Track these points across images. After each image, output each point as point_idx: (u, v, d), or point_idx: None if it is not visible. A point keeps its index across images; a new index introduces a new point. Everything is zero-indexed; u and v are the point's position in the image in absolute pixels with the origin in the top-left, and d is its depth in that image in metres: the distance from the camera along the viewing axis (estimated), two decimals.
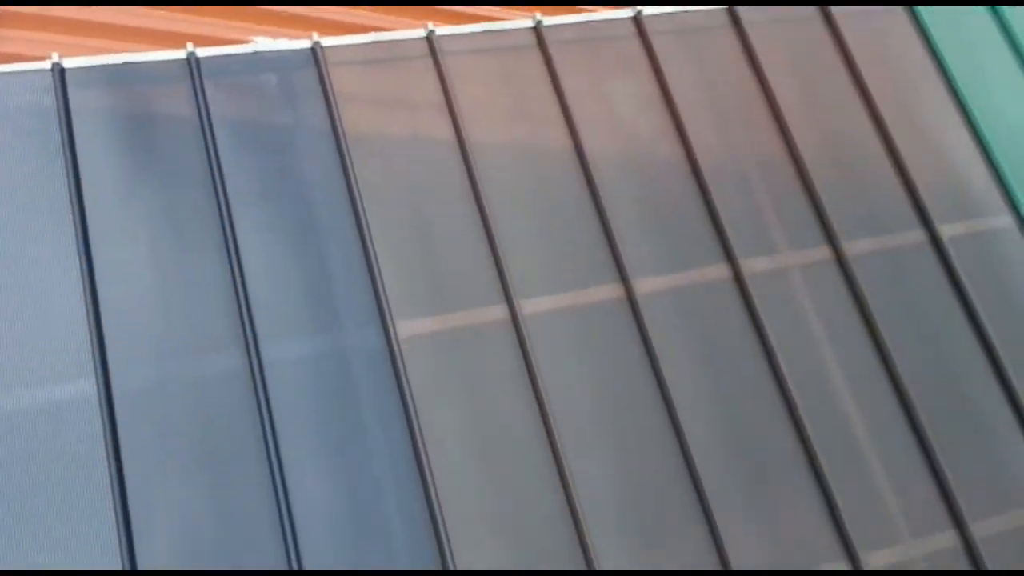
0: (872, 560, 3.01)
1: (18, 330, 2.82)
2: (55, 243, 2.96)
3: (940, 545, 3.09)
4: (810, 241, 3.51)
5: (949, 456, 3.20)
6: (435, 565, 2.78)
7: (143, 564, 2.63)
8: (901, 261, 3.54)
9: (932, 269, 3.54)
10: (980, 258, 3.58)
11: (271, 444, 2.82)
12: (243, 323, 2.97)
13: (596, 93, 3.63)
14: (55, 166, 3.05)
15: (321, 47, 3.45)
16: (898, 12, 4.03)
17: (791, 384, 3.21)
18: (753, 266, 3.41)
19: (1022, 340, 3.46)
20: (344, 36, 3.52)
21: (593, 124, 3.56)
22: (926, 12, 4.03)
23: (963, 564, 3.07)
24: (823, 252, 3.50)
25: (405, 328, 3.07)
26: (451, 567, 2.77)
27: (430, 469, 2.88)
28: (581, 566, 2.86)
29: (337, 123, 3.32)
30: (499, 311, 3.18)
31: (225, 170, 3.18)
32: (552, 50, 3.64)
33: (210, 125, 3.22)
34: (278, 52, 3.44)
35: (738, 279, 3.38)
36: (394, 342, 3.03)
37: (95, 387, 2.79)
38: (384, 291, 3.11)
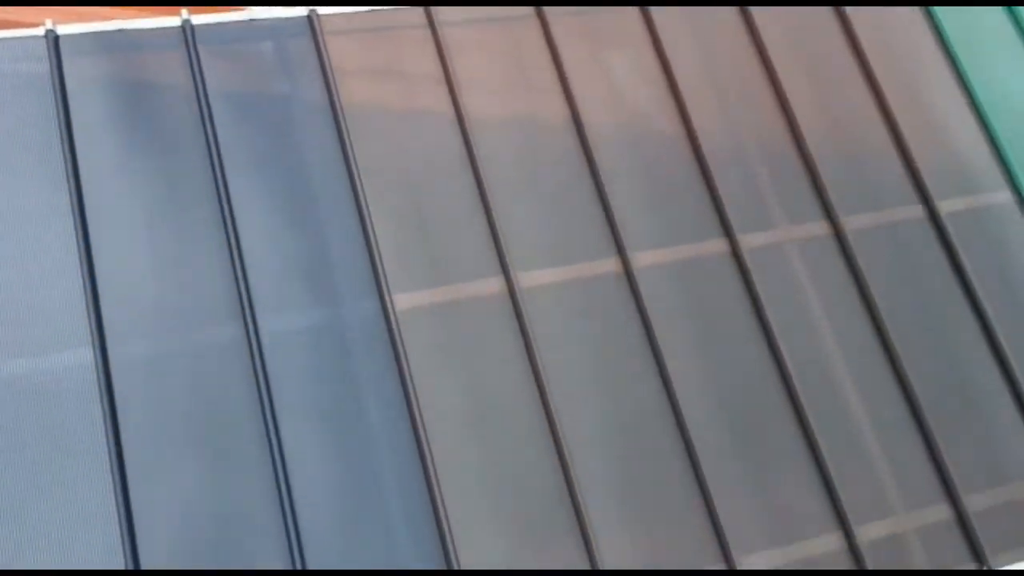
0: (865, 532, 3.03)
1: (15, 299, 2.81)
2: (52, 213, 2.94)
3: (933, 518, 3.11)
4: (808, 216, 3.50)
5: (944, 430, 3.22)
6: (431, 534, 2.79)
7: (141, 528, 2.64)
8: (899, 236, 3.53)
9: (930, 245, 3.53)
10: (978, 234, 3.58)
11: (268, 414, 2.82)
12: (240, 294, 2.96)
13: (596, 65, 3.60)
14: (50, 135, 3.03)
15: (317, 15, 3.42)
16: None
17: (787, 358, 3.22)
18: (751, 241, 3.40)
19: (1018, 315, 3.46)
20: (340, 6, 3.49)
21: (593, 97, 3.54)
22: None
23: (956, 536, 3.09)
24: (821, 227, 3.49)
25: (402, 300, 3.07)
26: (447, 537, 2.78)
27: (427, 440, 2.89)
28: (577, 537, 2.88)
29: (334, 94, 3.30)
30: (496, 284, 3.18)
31: (221, 140, 3.16)
32: (551, 21, 3.61)
33: (205, 94, 3.19)
34: (274, 20, 3.40)
35: (736, 253, 3.37)
36: (391, 314, 3.03)
37: (92, 357, 2.79)
38: (381, 263, 3.10)
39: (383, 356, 2.99)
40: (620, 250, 3.29)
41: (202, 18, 3.31)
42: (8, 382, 2.72)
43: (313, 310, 3.01)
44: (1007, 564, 3.08)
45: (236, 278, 2.98)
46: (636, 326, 3.20)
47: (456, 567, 2.76)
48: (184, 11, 3.29)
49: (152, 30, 3.26)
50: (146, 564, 2.62)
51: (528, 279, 3.19)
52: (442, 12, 3.53)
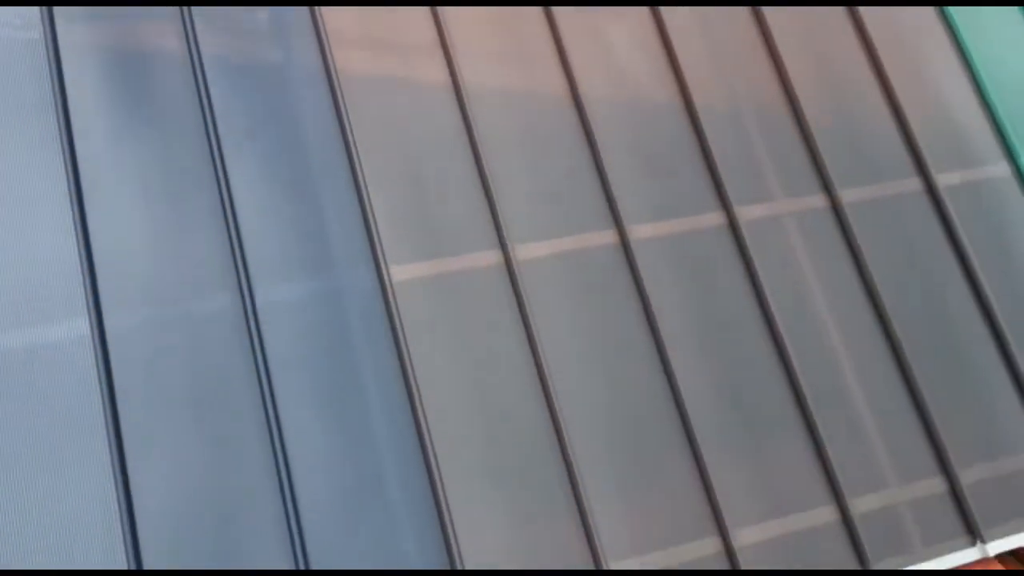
0: (859, 505, 3.05)
1: (8, 269, 2.81)
2: (45, 182, 2.93)
3: (927, 491, 3.12)
4: (806, 189, 3.50)
5: (939, 404, 3.22)
6: (427, 502, 2.81)
7: (139, 497, 2.65)
8: (897, 209, 3.53)
9: (928, 218, 3.53)
10: (976, 207, 3.58)
11: (265, 384, 2.83)
12: (236, 265, 2.96)
13: (594, 37, 3.58)
14: (44, 102, 3.01)
15: None
16: None
17: (783, 330, 3.23)
18: (748, 213, 3.39)
19: (1016, 290, 3.46)
20: None
21: (590, 68, 3.52)
22: None
23: (949, 509, 3.11)
24: (819, 200, 3.49)
25: (399, 272, 3.07)
26: (443, 504, 2.79)
27: (423, 409, 2.90)
28: (571, 504, 2.89)
29: (330, 62, 3.28)
30: (493, 256, 3.17)
31: (217, 109, 3.14)
32: None
33: (201, 63, 3.17)
34: None
35: (733, 226, 3.37)
36: (387, 285, 3.02)
37: (88, 327, 2.79)
38: (378, 235, 3.09)
39: (379, 327, 2.99)
40: (617, 222, 3.29)
41: None
42: (3, 353, 2.72)
43: (309, 281, 3.01)
44: (1001, 537, 3.09)
45: (232, 248, 2.97)
46: (633, 298, 3.20)
47: (452, 533, 2.77)
48: None
49: None
50: (144, 535, 2.63)
51: (525, 251, 3.19)
52: None
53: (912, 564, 3.00)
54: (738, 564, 2.90)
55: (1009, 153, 3.69)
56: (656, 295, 3.20)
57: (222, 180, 3.05)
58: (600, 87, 3.50)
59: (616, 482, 2.96)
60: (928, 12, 3.90)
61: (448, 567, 2.76)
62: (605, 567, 2.82)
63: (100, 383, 2.74)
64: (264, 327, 2.91)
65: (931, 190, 3.57)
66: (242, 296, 2.93)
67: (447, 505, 2.81)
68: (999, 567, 2.95)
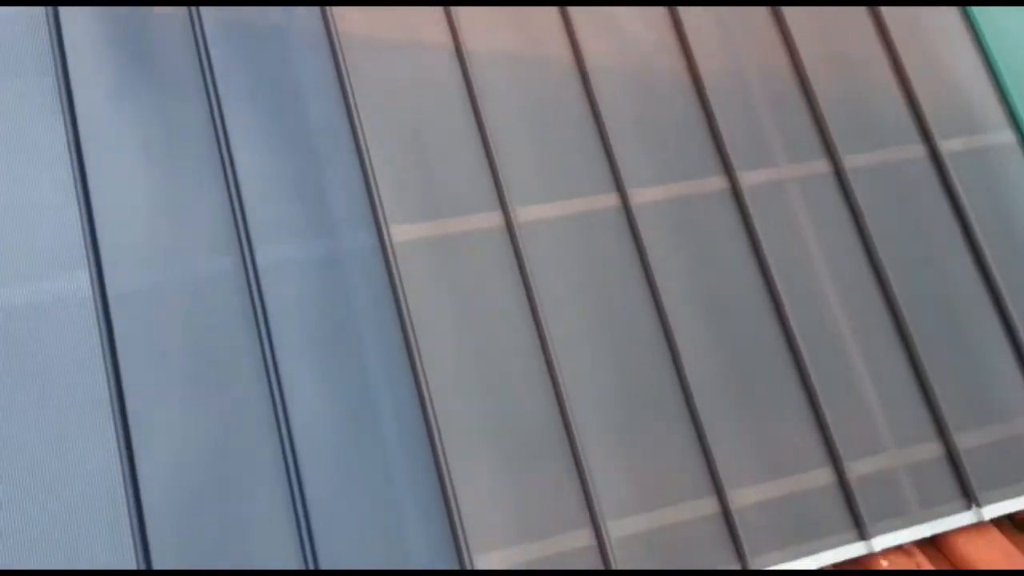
0: (856, 468, 3.07)
1: (8, 226, 2.82)
2: (46, 141, 2.94)
3: (923, 455, 3.14)
4: (809, 154, 3.49)
5: (937, 369, 3.23)
6: (427, 462, 2.83)
7: (140, 458, 2.67)
8: (900, 176, 3.52)
9: (931, 184, 3.52)
10: (980, 174, 3.57)
11: (266, 343, 2.85)
12: (236, 225, 2.96)
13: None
14: (43, 60, 3.01)
15: None
16: None
17: (783, 294, 3.23)
18: (750, 178, 3.39)
19: (1017, 256, 3.46)
20: None
21: (594, 32, 3.50)
22: None
23: (946, 473, 3.12)
24: (821, 165, 3.48)
25: (399, 233, 3.07)
26: (442, 465, 2.82)
27: (423, 369, 2.91)
28: (570, 467, 2.91)
29: (331, 24, 3.27)
30: (494, 218, 3.18)
31: (217, 69, 3.14)
32: None
33: (201, 22, 3.17)
34: None
35: (735, 191, 3.36)
36: (388, 247, 3.03)
37: (89, 284, 2.80)
38: (378, 195, 3.09)
39: (380, 288, 3.00)
40: (619, 186, 3.29)
41: None
42: (3, 308, 2.74)
43: (310, 242, 3.02)
44: (997, 501, 3.11)
45: (232, 208, 2.98)
46: (633, 261, 3.21)
47: (451, 490, 2.80)
48: None
49: None
50: (146, 495, 2.66)
51: (526, 213, 3.19)
52: None
53: (908, 526, 3.03)
54: (735, 524, 2.92)
55: (1014, 120, 3.67)
56: (657, 259, 3.21)
57: (222, 140, 3.05)
58: (604, 50, 3.49)
59: (615, 442, 2.98)
60: None
61: (446, 523, 2.78)
62: (602, 525, 2.85)
63: (101, 340, 2.75)
64: (265, 287, 2.92)
65: (935, 156, 3.55)
66: (243, 256, 2.94)
67: (446, 464, 2.83)
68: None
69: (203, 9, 3.19)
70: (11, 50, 3.00)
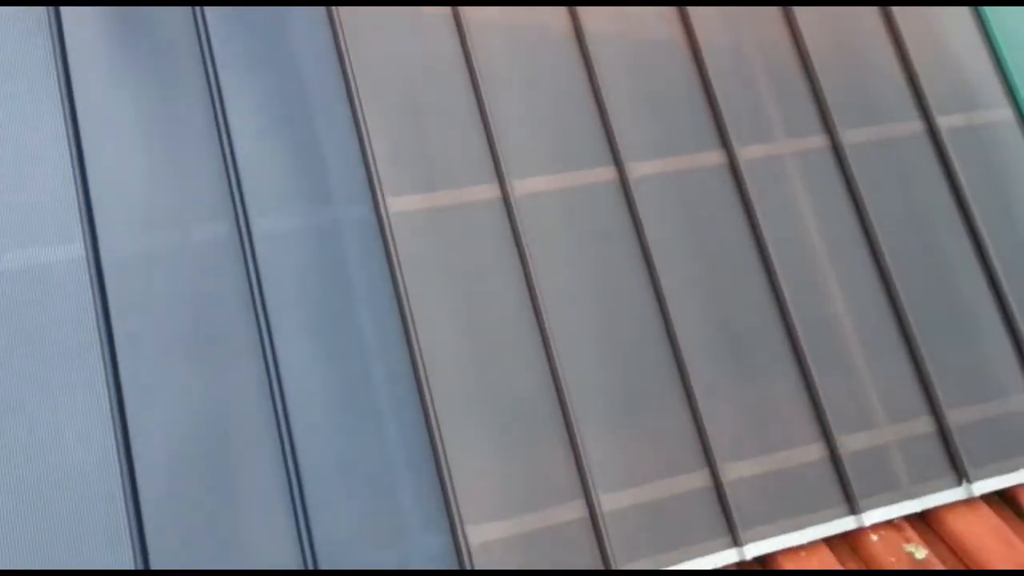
0: (848, 442, 3.08)
1: (4, 192, 2.81)
2: (42, 109, 2.92)
3: (915, 431, 3.16)
4: (808, 129, 3.47)
5: (931, 346, 3.24)
6: (421, 433, 2.84)
7: (134, 419, 2.68)
8: (898, 151, 3.51)
9: (929, 160, 3.51)
10: (977, 151, 3.56)
11: (260, 312, 2.85)
12: (232, 195, 2.96)
13: None
14: (41, 29, 2.98)
15: None
16: None
17: (779, 269, 3.23)
18: (749, 153, 3.38)
19: (1013, 233, 3.46)
20: None
21: (593, 5, 3.47)
22: None
23: (937, 449, 3.14)
24: (820, 140, 3.47)
25: (396, 204, 3.07)
26: (437, 440, 2.83)
27: (418, 340, 2.92)
28: (565, 445, 2.93)
29: None
30: (491, 190, 3.17)
31: (214, 39, 3.11)
32: None
33: None
34: None
35: (733, 165, 3.35)
36: (384, 217, 3.03)
37: (83, 251, 2.79)
38: (375, 165, 3.08)
39: (376, 258, 3.00)
40: (616, 159, 3.28)
41: None
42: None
43: (306, 211, 3.01)
44: (987, 478, 3.13)
45: (227, 177, 2.97)
46: (631, 235, 3.21)
47: (444, 463, 2.81)
48: None
49: None
50: (141, 462, 2.67)
51: (523, 186, 3.18)
52: None
53: (898, 501, 3.05)
54: (727, 498, 2.94)
55: (1013, 97, 3.65)
56: (654, 232, 3.20)
57: (219, 110, 3.04)
58: (604, 24, 3.46)
59: (608, 416, 2.99)
60: None
61: (440, 497, 2.80)
62: (595, 498, 2.87)
63: (95, 305, 2.75)
64: (260, 256, 2.92)
65: (933, 132, 3.54)
66: (238, 226, 2.93)
67: (440, 435, 2.85)
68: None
69: None
70: (9, 21, 2.97)
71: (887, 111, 3.56)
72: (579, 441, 2.92)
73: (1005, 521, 3.07)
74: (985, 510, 3.09)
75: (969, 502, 3.11)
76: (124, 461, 2.65)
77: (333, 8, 3.22)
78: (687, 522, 2.92)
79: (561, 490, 2.88)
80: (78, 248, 2.80)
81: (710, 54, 3.48)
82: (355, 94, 3.15)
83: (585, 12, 3.44)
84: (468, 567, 2.73)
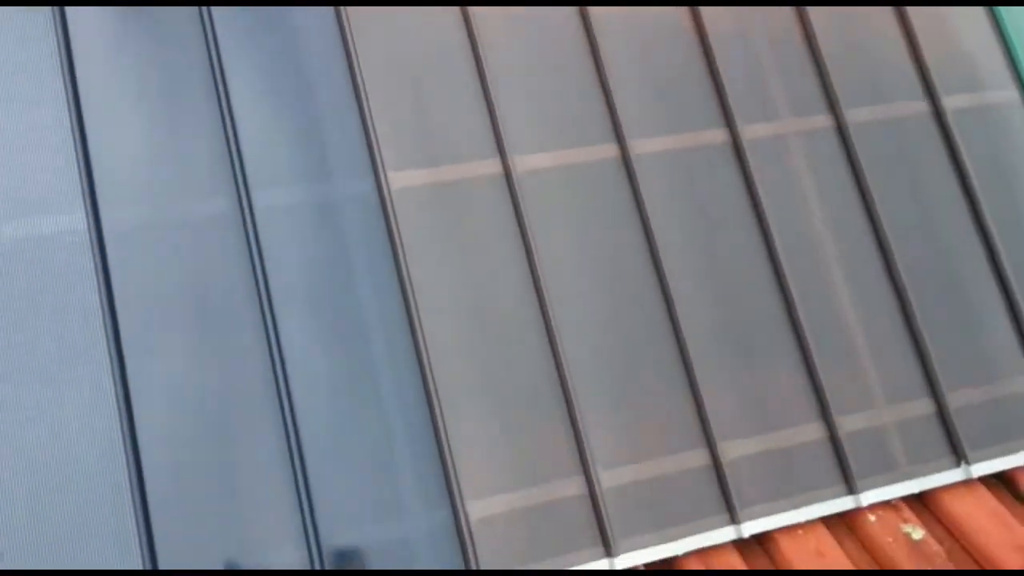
0: (847, 423, 3.08)
1: (3, 162, 2.79)
2: (44, 80, 2.90)
3: (914, 412, 3.16)
4: (811, 108, 3.46)
5: (931, 327, 3.24)
6: (422, 409, 2.84)
7: (136, 390, 2.68)
8: (902, 131, 3.49)
9: (933, 140, 3.50)
10: (982, 131, 3.54)
11: (262, 286, 2.84)
12: (233, 168, 2.94)
13: None
14: (43, 7, 2.96)
15: None
16: None
17: (780, 248, 3.23)
18: (752, 131, 3.36)
19: (1016, 216, 3.46)
20: None
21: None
22: None
23: (936, 431, 3.14)
24: (824, 120, 3.45)
25: (397, 179, 3.05)
26: (438, 415, 2.83)
27: (419, 316, 2.91)
28: (565, 421, 2.93)
29: None
30: (493, 165, 3.15)
31: (215, 15, 3.09)
32: None
33: None
34: None
35: (736, 144, 3.34)
36: (386, 192, 3.01)
37: (85, 222, 2.78)
38: (376, 140, 3.07)
39: (377, 233, 2.99)
40: (619, 136, 3.26)
41: None
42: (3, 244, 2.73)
43: (307, 186, 3.00)
44: (986, 460, 3.13)
45: (230, 151, 2.96)
46: (633, 213, 3.19)
47: (445, 438, 2.81)
48: None
49: None
50: (143, 434, 2.66)
51: (526, 162, 3.17)
52: None
53: (896, 482, 3.05)
54: (725, 476, 2.94)
55: (1019, 77, 3.63)
56: (655, 210, 3.19)
57: (220, 84, 3.02)
58: None
59: (609, 393, 2.99)
60: None
61: (440, 473, 2.80)
62: (594, 474, 2.87)
63: (97, 277, 2.75)
64: (261, 232, 2.91)
65: (937, 112, 3.52)
66: (239, 201, 2.92)
67: (440, 410, 2.84)
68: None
69: None
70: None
71: (892, 90, 3.54)
72: (579, 418, 2.92)
73: (1003, 503, 3.08)
74: (983, 492, 3.10)
75: (967, 484, 3.12)
76: (127, 432, 2.65)
77: None
78: (686, 500, 2.92)
79: (561, 466, 2.88)
80: (79, 220, 2.78)
81: (714, 31, 3.45)
82: (357, 68, 3.13)
83: None
84: (468, 542, 2.73)
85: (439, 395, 2.86)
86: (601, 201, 3.19)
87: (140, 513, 2.60)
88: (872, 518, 3.01)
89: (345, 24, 3.16)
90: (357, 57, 3.14)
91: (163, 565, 2.58)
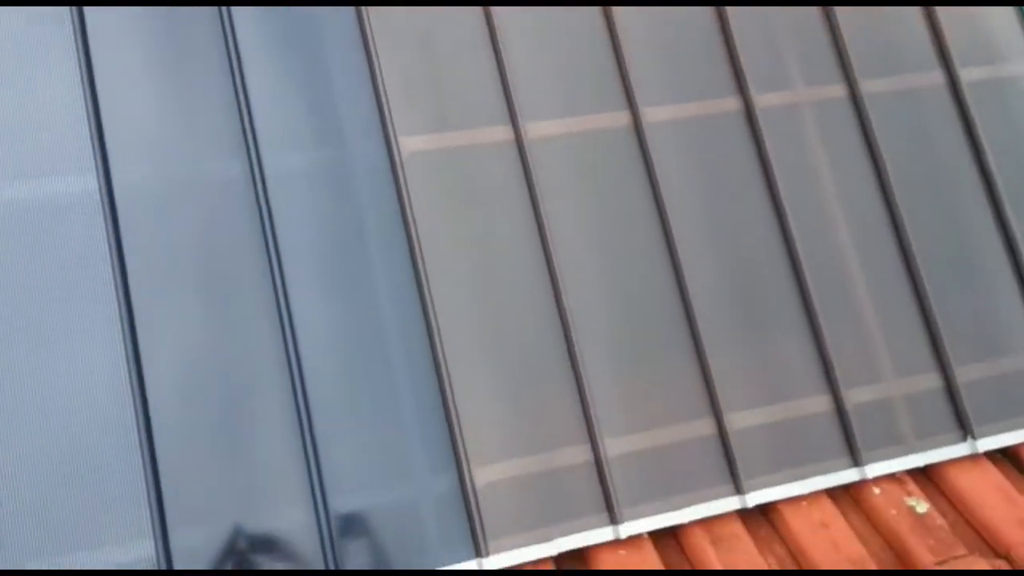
0: (854, 395, 3.08)
1: (15, 122, 2.79)
2: (56, 41, 2.89)
3: (922, 386, 3.15)
4: (826, 77, 3.42)
5: (942, 301, 3.22)
6: (430, 375, 2.84)
7: (146, 352, 2.69)
8: (917, 102, 3.46)
9: (948, 112, 3.46)
10: (998, 104, 3.51)
11: (272, 249, 2.84)
12: (244, 131, 2.93)
13: None
14: None
15: None
16: None
17: (791, 219, 3.21)
18: (765, 100, 3.33)
19: None
20: None
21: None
22: None
23: (943, 405, 3.14)
24: (838, 90, 3.42)
25: (408, 143, 3.04)
26: (445, 380, 2.83)
27: (427, 281, 2.91)
28: (572, 389, 2.93)
29: None
30: (504, 132, 3.13)
31: None
32: None
33: None
34: None
35: (749, 112, 3.31)
36: (396, 158, 3.00)
37: (96, 183, 2.78)
38: (388, 106, 3.05)
39: (387, 198, 2.98)
40: (631, 104, 3.23)
41: None
42: (9, 204, 2.73)
43: (318, 149, 2.99)
44: (992, 435, 3.13)
45: (240, 114, 2.94)
46: (643, 180, 3.18)
47: (452, 403, 2.82)
48: None
49: None
50: (152, 392, 2.68)
51: (537, 129, 3.15)
52: None
53: (902, 455, 3.05)
54: (731, 447, 2.95)
55: None
56: (666, 178, 3.17)
57: (232, 46, 3.00)
58: None
59: (616, 361, 2.99)
60: None
61: (447, 438, 2.81)
62: (600, 442, 2.88)
63: (108, 238, 2.75)
64: (272, 194, 2.90)
65: (953, 84, 3.49)
66: (250, 163, 2.91)
67: (448, 377, 2.85)
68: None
69: None
70: None
71: (908, 61, 3.50)
72: (586, 385, 2.92)
73: (1008, 478, 3.08)
74: (988, 467, 3.10)
75: (973, 458, 3.12)
76: (137, 393, 2.66)
77: None
78: (691, 469, 2.93)
79: (567, 433, 2.89)
80: (91, 181, 2.78)
81: None
82: (369, 32, 3.10)
83: None
84: (474, 507, 2.75)
85: (447, 361, 2.86)
86: (612, 169, 3.17)
87: (150, 473, 2.61)
88: (877, 491, 3.01)
89: None
90: (369, 21, 3.11)
91: (171, 524, 2.60)
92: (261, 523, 2.65)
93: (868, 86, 3.42)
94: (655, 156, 3.18)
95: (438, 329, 2.88)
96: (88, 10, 2.92)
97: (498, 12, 3.22)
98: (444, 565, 2.70)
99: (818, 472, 3.00)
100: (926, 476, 3.12)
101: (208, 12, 3.02)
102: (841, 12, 3.47)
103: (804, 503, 2.97)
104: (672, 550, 2.89)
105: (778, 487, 2.96)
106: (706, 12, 3.41)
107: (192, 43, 2.99)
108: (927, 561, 2.79)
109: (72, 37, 2.90)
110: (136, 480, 2.61)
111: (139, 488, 2.60)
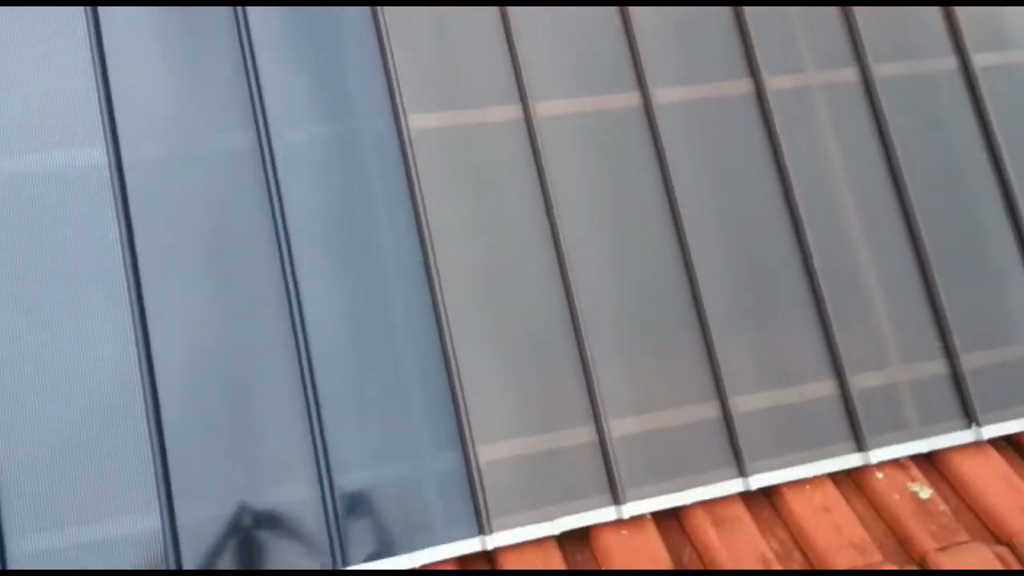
0: (859, 380, 3.08)
1: (25, 94, 2.78)
2: (66, 15, 2.89)
3: (927, 372, 3.15)
4: (838, 61, 3.40)
5: (949, 287, 3.22)
6: (437, 353, 2.85)
7: (154, 330, 2.69)
8: (929, 87, 3.44)
9: (960, 98, 3.44)
10: (1010, 90, 3.48)
11: (280, 223, 2.84)
12: (253, 106, 2.93)
13: None
14: None
15: None
16: None
17: (800, 203, 3.20)
18: (777, 83, 3.31)
19: None
20: None
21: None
22: None
23: (948, 391, 3.14)
24: (850, 73, 3.40)
25: (417, 120, 3.03)
26: (451, 358, 2.83)
27: (434, 257, 2.91)
28: (578, 369, 2.93)
29: None
30: (513, 111, 3.12)
31: None
32: None
33: None
34: None
35: (760, 95, 3.29)
36: (405, 135, 2.99)
37: (105, 156, 2.78)
38: (398, 83, 3.04)
39: (395, 175, 2.98)
40: (641, 84, 3.22)
41: None
42: (18, 176, 2.73)
43: (327, 126, 2.98)
44: (998, 422, 3.13)
45: (250, 88, 2.94)
46: (653, 162, 3.17)
47: (458, 384, 2.82)
48: None
49: None
50: (160, 367, 2.69)
51: (546, 108, 3.14)
52: None
53: (906, 441, 3.05)
54: (735, 430, 2.95)
55: None
56: (676, 160, 3.16)
57: (242, 20, 2.99)
58: None
59: (622, 342, 2.99)
60: None
61: (452, 416, 2.82)
62: (604, 422, 2.88)
63: (116, 210, 2.75)
64: (280, 169, 2.90)
65: (966, 69, 3.46)
66: (259, 137, 2.91)
67: (455, 355, 2.85)
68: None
69: None
70: None
71: (921, 46, 3.48)
72: (592, 366, 2.92)
73: (1012, 466, 3.08)
74: (992, 454, 3.10)
75: (977, 445, 3.12)
76: (145, 367, 2.67)
77: None
78: (695, 451, 2.94)
79: (572, 414, 2.89)
80: (100, 154, 2.78)
81: None
82: (380, 11, 3.09)
83: None
84: (478, 485, 2.76)
85: (453, 339, 2.86)
86: (621, 149, 3.16)
87: (156, 448, 2.63)
88: (880, 476, 3.02)
89: None
90: None
91: (178, 500, 2.61)
92: (267, 500, 2.66)
93: (880, 70, 3.39)
94: (665, 137, 3.17)
95: (444, 307, 2.88)
96: None
97: None
98: (448, 542, 2.71)
99: (822, 456, 3.00)
100: (930, 462, 3.12)
101: None
102: None
103: (807, 487, 2.98)
104: (674, 531, 2.90)
105: (781, 470, 2.96)
106: None
107: (203, 18, 2.98)
108: (929, 547, 2.80)
109: (84, 12, 2.89)
110: (143, 454, 2.62)
111: (145, 462, 2.61)
